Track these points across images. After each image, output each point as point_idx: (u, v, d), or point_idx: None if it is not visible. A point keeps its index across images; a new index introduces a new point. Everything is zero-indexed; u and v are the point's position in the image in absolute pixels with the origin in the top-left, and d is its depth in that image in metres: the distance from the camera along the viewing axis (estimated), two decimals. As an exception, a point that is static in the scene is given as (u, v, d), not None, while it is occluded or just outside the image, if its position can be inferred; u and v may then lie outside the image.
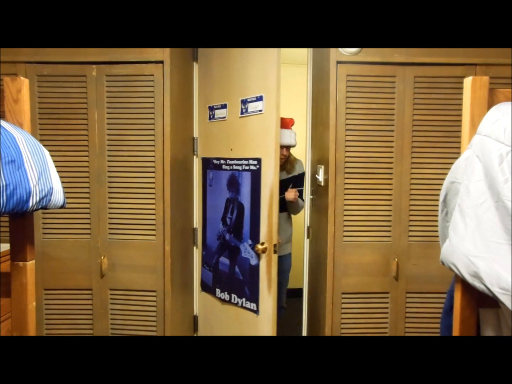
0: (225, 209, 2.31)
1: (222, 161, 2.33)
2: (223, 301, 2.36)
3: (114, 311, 2.15)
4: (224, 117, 2.31)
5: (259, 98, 2.09)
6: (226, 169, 2.30)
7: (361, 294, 2.10)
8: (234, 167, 2.23)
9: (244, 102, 2.17)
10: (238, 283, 2.23)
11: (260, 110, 2.07)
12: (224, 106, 2.31)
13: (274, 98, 1.99)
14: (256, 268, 2.11)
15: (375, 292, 2.10)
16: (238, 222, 2.21)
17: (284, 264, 2.65)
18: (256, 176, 2.09)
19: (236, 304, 2.25)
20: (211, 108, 2.42)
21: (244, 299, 2.20)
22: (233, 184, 2.24)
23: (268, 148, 2.01)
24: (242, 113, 2.19)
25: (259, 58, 2.10)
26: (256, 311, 2.12)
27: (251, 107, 2.13)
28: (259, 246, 2.03)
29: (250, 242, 2.15)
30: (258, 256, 2.10)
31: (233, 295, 2.27)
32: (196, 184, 2.61)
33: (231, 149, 2.25)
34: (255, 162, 2.09)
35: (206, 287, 2.57)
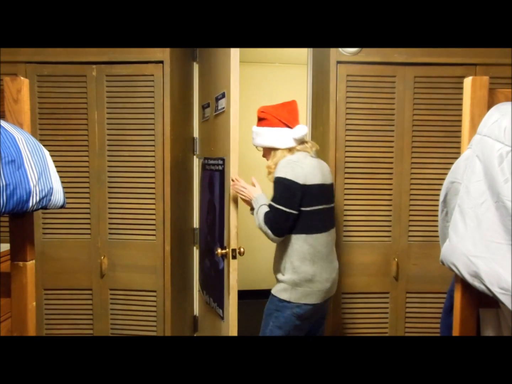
0: (207, 210, 2.28)
1: (206, 161, 2.29)
2: (206, 303, 2.35)
3: (114, 311, 2.14)
4: (208, 116, 2.28)
5: (223, 95, 1.95)
6: (207, 170, 2.25)
7: (361, 294, 2.10)
8: (211, 167, 2.14)
9: (217, 99, 2.06)
10: (213, 286, 2.18)
11: (223, 108, 1.94)
12: (208, 105, 2.26)
13: (233, 94, 1.78)
14: (222, 273, 1.96)
15: (375, 292, 2.10)
16: (212, 225, 2.14)
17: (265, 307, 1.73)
18: (222, 177, 1.95)
19: (213, 308, 2.20)
20: (203, 107, 2.39)
21: (216, 304, 2.14)
22: (211, 185, 2.18)
23: (229, 147, 1.79)
24: (215, 111, 2.09)
25: (222, 56, 1.97)
26: (222, 317, 2.00)
27: (220, 104, 2.02)
28: (219, 251, 1.87)
29: (218, 245, 2.03)
30: (224, 260, 1.95)
31: (210, 298, 2.24)
32: (196, 184, 2.61)
33: (212, 149, 2.17)
34: (221, 162, 1.94)
35: (200, 288, 2.57)
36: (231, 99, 1.76)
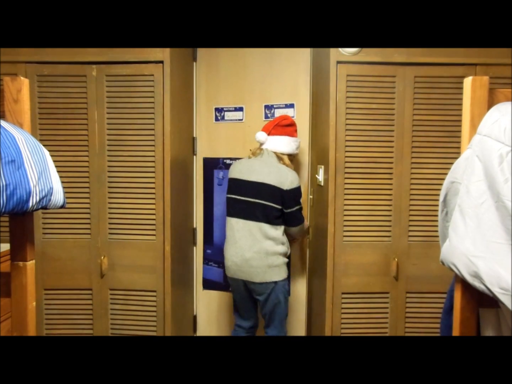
0: None
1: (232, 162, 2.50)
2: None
3: (114, 311, 2.14)
4: (241, 119, 2.54)
5: (289, 106, 2.46)
6: None
7: (361, 294, 2.10)
8: None
9: (270, 107, 2.50)
10: None
11: (292, 117, 2.41)
12: (239, 109, 2.55)
13: (305, 107, 2.42)
14: None
15: (375, 292, 2.10)
16: None
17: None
18: None
19: None
20: (219, 110, 2.54)
21: None
22: None
23: (299, 150, 2.34)
24: (266, 117, 2.49)
25: (287, 65, 2.46)
26: None
27: (279, 113, 2.47)
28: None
29: None
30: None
31: None
32: (196, 184, 2.62)
33: (250, 150, 2.39)
34: None
35: (211, 285, 2.61)
36: (305, 110, 2.44)
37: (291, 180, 2.07)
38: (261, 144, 2.17)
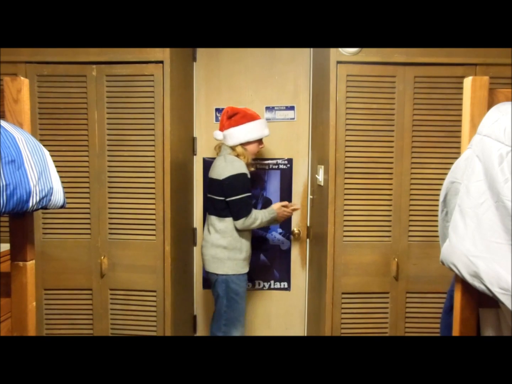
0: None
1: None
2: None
3: (114, 311, 2.14)
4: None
5: (290, 108, 2.57)
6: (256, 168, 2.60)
7: (361, 294, 2.10)
8: (258, 166, 2.58)
9: (271, 109, 2.59)
10: (264, 269, 2.64)
11: (292, 118, 2.57)
12: None
13: (305, 107, 2.54)
14: (287, 252, 2.64)
15: (375, 292, 2.10)
16: None
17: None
18: (286, 174, 2.61)
19: (262, 288, 2.66)
20: (220, 110, 2.54)
21: (272, 281, 2.65)
22: (258, 181, 2.61)
23: (300, 150, 2.58)
24: (268, 118, 2.58)
25: (287, 65, 2.54)
26: (287, 288, 2.65)
27: (280, 114, 2.58)
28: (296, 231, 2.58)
29: (280, 231, 2.63)
30: (290, 241, 2.63)
31: (257, 282, 2.66)
32: (196, 184, 2.62)
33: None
34: (286, 162, 2.60)
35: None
36: (305, 112, 2.55)
37: (229, 170, 2.07)
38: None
